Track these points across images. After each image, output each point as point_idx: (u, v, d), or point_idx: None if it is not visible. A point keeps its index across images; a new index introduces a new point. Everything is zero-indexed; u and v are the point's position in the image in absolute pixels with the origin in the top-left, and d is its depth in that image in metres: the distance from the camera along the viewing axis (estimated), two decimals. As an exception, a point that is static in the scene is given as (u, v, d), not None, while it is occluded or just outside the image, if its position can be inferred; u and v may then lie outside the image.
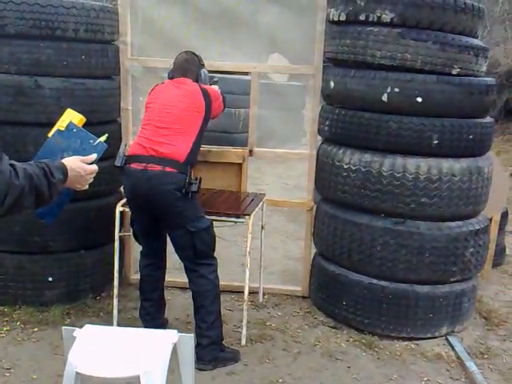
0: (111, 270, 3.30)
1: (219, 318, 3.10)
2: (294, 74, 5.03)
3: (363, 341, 3.35)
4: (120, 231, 3.30)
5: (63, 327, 2.38)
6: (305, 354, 3.20)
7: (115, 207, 3.20)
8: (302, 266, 3.95)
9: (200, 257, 2.99)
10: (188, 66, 3.11)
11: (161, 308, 3.33)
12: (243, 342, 3.24)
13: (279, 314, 3.67)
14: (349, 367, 3.10)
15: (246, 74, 3.89)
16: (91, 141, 1.89)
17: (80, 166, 1.78)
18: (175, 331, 2.39)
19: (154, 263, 3.22)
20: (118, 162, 2.89)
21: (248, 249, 3.17)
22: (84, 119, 2.26)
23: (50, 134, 1.97)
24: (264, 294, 3.86)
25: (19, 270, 3.29)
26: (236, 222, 3.27)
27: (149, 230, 3.09)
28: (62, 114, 2.26)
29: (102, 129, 3.38)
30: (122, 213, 3.25)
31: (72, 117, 2.02)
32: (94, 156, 1.84)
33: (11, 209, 1.56)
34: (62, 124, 1.96)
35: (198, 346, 2.97)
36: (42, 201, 1.64)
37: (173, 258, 4.42)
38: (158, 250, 3.21)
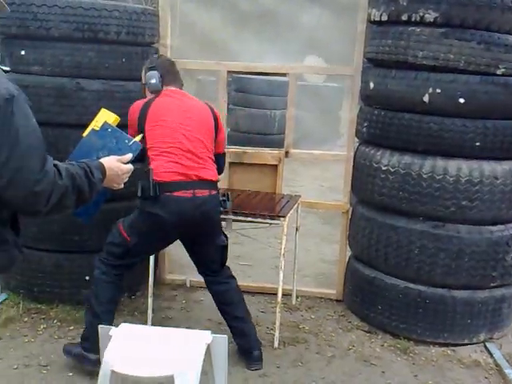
0: (146, 269, 3.33)
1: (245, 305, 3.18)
2: (330, 75, 4.99)
3: (398, 346, 3.30)
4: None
5: (99, 326, 2.43)
6: (338, 357, 3.17)
7: (151, 208, 3.22)
8: (337, 269, 3.92)
9: (223, 267, 3.08)
10: (176, 70, 3.03)
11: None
12: (276, 344, 3.23)
13: (312, 316, 3.65)
14: (383, 372, 3.06)
15: (284, 75, 3.87)
16: (126, 140, 1.91)
17: (117, 166, 1.81)
18: (209, 332, 2.40)
19: (120, 274, 2.93)
20: (151, 192, 2.68)
21: (282, 251, 3.16)
22: (118, 119, 2.31)
23: (84, 134, 2.00)
24: (297, 297, 3.84)
25: (57, 269, 3.35)
26: (271, 224, 3.27)
27: (160, 246, 3.13)
28: (96, 114, 2.31)
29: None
30: (157, 213, 3.28)
31: (107, 117, 2.05)
32: (129, 155, 1.87)
33: (54, 208, 1.60)
34: (96, 124, 1.98)
35: (249, 336, 3.06)
36: (82, 200, 1.68)
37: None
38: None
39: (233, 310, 3.09)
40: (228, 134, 9.39)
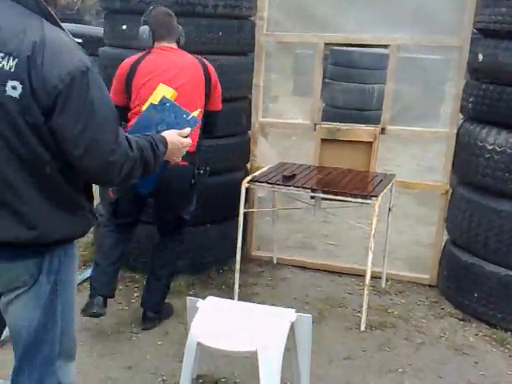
0: (234, 244, 3.36)
1: (172, 277, 3.17)
2: (435, 47, 4.71)
3: (494, 336, 3.11)
4: (245, 207, 3.35)
5: (188, 297, 2.49)
6: (428, 344, 3.05)
7: (241, 183, 3.24)
8: (432, 253, 3.75)
9: (178, 230, 3.09)
10: (171, 22, 2.86)
11: (117, 272, 3.13)
12: (362, 327, 3.16)
13: (402, 301, 3.52)
14: (476, 363, 2.90)
15: (385, 46, 3.68)
16: (184, 115, 1.92)
17: (178, 140, 1.84)
18: (293, 310, 2.39)
19: (126, 233, 3.08)
20: None
21: (373, 231, 3.06)
22: (176, 94, 2.33)
23: (143, 108, 2.03)
24: (387, 280, 3.72)
25: (149, 240, 3.43)
26: (362, 203, 3.17)
27: (137, 206, 3.06)
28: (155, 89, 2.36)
29: (233, 105, 3.50)
30: (247, 189, 3.29)
31: (165, 91, 2.08)
32: (188, 130, 1.88)
33: (125, 178, 1.65)
34: (155, 98, 2.01)
35: (152, 292, 3.06)
36: (147, 171, 1.73)
37: (294, 237, 4.49)
38: (136, 222, 3.12)
39: (154, 265, 3.10)
40: (323, 109, 9.29)
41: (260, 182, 3.29)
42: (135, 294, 3.38)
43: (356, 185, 3.27)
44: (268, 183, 3.27)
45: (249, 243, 3.99)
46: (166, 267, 3.08)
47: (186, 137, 1.87)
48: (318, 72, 3.61)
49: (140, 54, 2.86)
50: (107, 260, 2.99)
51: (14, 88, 1.47)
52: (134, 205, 3.01)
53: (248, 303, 2.56)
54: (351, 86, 8.44)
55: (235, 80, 3.42)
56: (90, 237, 3.80)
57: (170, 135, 1.82)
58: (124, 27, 3.22)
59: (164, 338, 2.99)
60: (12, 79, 1.46)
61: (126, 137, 1.65)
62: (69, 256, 1.73)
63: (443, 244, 3.63)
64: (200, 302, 2.41)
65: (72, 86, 1.49)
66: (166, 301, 3.22)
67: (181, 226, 3.07)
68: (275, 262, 3.95)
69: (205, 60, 2.93)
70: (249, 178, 3.31)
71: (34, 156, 1.53)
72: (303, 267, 3.92)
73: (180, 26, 2.90)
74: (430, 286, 3.71)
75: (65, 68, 1.48)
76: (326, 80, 9.12)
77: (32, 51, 1.46)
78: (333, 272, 3.87)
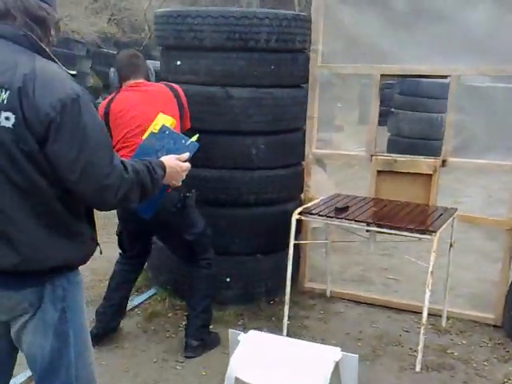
0: (285, 276, 3.31)
1: (211, 305, 3.16)
2: (498, 76, 4.54)
3: None
4: (296, 239, 3.32)
5: (230, 330, 2.46)
6: (490, 390, 2.86)
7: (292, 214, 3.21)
8: (497, 291, 3.54)
9: (198, 256, 3.04)
10: (137, 62, 2.90)
11: (119, 311, 3.24)
12: (417, 368, 3.01)
13: (464, 342, 3.33)
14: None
15: (445, 77, 3.58)
16: (183, 141, 1.99)
17: (176, 164, 1.88)
18: (339, 349, 2.30)
19: (130, 265, 3.21)
20: None
21: (430, 268, 2.93)
22: (175, 122, 2.45)
23: (144, 137, 2.08)
24: (448, 319, 3.54)
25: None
26: (420, 238, 3.05)
27: (138, 240, 3.12)
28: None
29: (287, 136, 3.51)
30: (298, 220, 3.26)
31: (164, 120, 2.14)
32: (187, 154, 1.94)
33: (120, 201, 1.67)
34: (155, 127, 2.06)
35: (190, 326, 3.08)
36: (145, 195, 1.75)
37: (351, 269, 4.39)
38: (141, 256, 3.22)
39: (187, 295, 3.13)
40: (388, 138, 9.10)
41: (311, 213, 3.25)
42: (183, 322, 3.39)
43: (413, 219, 3.16)
44: (319, 215, 3.22)
45: (302, 274, 3.93)
46: (197, 295, 3.09)
47: (186, 161, 1.92)
48: (375, 103, 3.55)
49: (110, 96, 2.95)
50: (109, 301, 3.17)
51: (7, 119, 1.53)
52: (137, 237, 3.10)
53: (291, 339, 2.50)
54: (418, 115, 8.26)
55: (288, 112, 3.43)
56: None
57: (168, 159, 1.87)
58: (178, 63, 3.32)
59: (208, 368, 2.97)
60: (5, 110, 1.53)
61: (122, 160, 1.68)
62: (73, 284, 1.76)
63: (510, 281, 3.42)
64: (242, 336, 2.37)
65: (64, 113, 1.53)
66: (213, 330, 3.22)
67: (196, 250, 3.03)
68: (329, 294, 3.87)
69: (172, 84, 2.99)
70: (300, 209, 3.28)
71: (30, 184, 1.57)
72: (358, 301, 3.81)
73: (149, 65, 3.01)
74: (494, 326, 3.49)
75: (56, 96, 1.53)
76: (393, 110, 9.00)
77: (23, 82, 1.52)
78: (390, 308, 3.73)
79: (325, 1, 3.51)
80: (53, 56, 1.66)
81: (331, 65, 3.52)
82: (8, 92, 1.53)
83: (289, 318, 3.34)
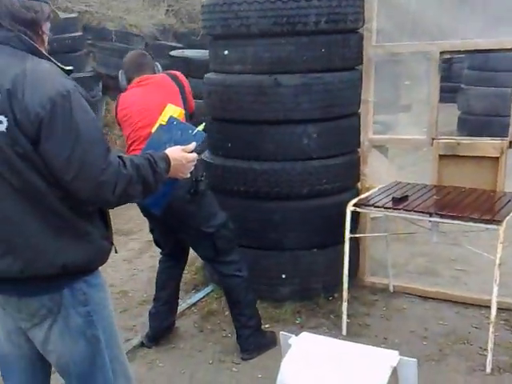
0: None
1: (255, 305, 3.04)
2: None
3: None
4: (354, 230, 3.14)
5: (281, 332, 2.35)
6: None
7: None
8: None
9: (222, 254, 2.90)
10: (142, 61, 2.89)
11: (170, 310, 3.19)
12: (488, 369, 2.79)
13: (542, 340, 3.07)
14: None
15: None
16: (190, 131, 1.94)
17: (182, 155, 1.83)
18: (396, 353, 2.14)
19: (171, 261, 3.17)
20: None
21: (497, 261, 2.71)
22: (183, 112, 2.44)
23: (153, 130, 2.04)
24: (523, 315, 3.27)
25: (255, 265, 3.36)
26: (487, 228, 2.81)
27: (168, 236, 3.04)
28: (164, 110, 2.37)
29: (339, 123, 3.32)
30: (355, 213, 3.08)
31: (172, 111, 2.12)
32: (193, 144, 1.89)
33: (121, 197, 1.62)
34: (163, 119, 2.03)
35: (240, 337, 2.98)
36: (148, 190, 1.71)
37: (415, 261, 4.15)
38: (178, 251, 3.13)
39: (233, 309, 3.01)
40: (458, 116, 8.60)
41: (367, 205, 3.07)
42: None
43: (478, 207, 2.91)
44: (375, 206, 3.03)
45: (362, 268, 3.74)
46: (237, 307, 2.98)
47: (193, 152, 1.86)
48: (435, 83, 3.30)
49: (118, 96, 3.03)
50: (158, 301, 3.14)
51: (0, 122, 1.51)
52: (164, 233, 3.07)
53: (345, 342, 2.35)
54: (490, 90, 7.75)
55: (340, 97, 3.23)
56: (200, 261, 3.83)
57: (173, 151, 1.81)
58: (226, 52, 3.21)
59: (264, 371, 2.87)
60: None
61: (120, 156, 1.64)
62: (94, 286, 1.73)
63: None
64: (293, 339, 2.26)
65: (54, 111, 1.51)
66: (270, 330, 3.12)
67: (218, 246, 2.89)
68: (391, 289, 3.65)
69: (172, 71, 3.01)
70: (355, 200, 3.11)
71: (29, 186, 1.55)
72: (424, 296, 3.58)
73: (156, 63, 3.03)
74: None
75: (45, 95, 1.50)
76: (462, 86, 8.52)
77: (12, 84, 1.51)
78: (458, 302, 3.48)
79: (376, -24, 3.27)
80: (47, 54, 1.64)
81: (386, 44, 3.29)
82: None
83: (348, 315, 3.19)
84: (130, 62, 2.96)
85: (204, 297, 3.62)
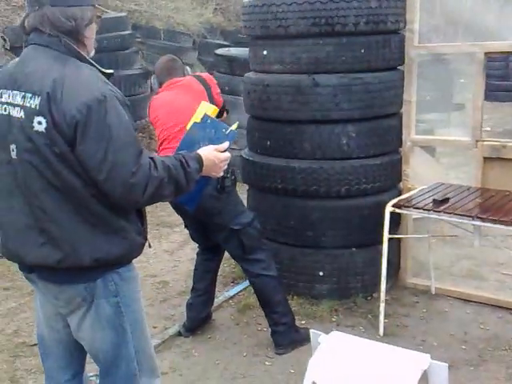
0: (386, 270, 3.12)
1: (286, 302, 3.08)
2: None
3: None
4: (395, 231, 3.11)
5: (311, 330, 2.36)
6: None
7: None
8: None
9: (249, 252, 2.94)
10: (172, 65, 2.99)
11: (206, 301, 3.26)
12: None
13: None
14: None
15: None
16: (224, 129, 1.94)
17: (214, 155, 1.85)
18: (428, 356, 2.11)
19: (207, 254, 3.23)
20: None
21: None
22: (217, 109, 2.47)
23: (187, 127, 2.05)
24: None
25: (293, 262, 3.41)
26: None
27: (201, 232, 3.10)
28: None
29: (380, 122, 3.30)
30: (395, 213, 3.05)
31: (206, 109, 2.12)
32: (226, 144, 1.90)
33: (152, 198, 1.69)
34: (197, 116, 2.04)
35: (274, 333, 3.02)
36: (179, 190, 1.76)
37: (460, 264, 4.05)
38: (213, 246, 3.15)
39: (265, 308, 3.05)
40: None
41: (406, 206, 3.03)
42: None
43: (522, 211, 2.83)
44: (415, 208, 3.00)
45: (403, 269, 3.70)
46: (267, 306, 3.02)
47: (225, 151, 1.88)
48: (479, 84, 3.21)
49: (151, 100, 3.18)
50: (195, 292, 3.24)
51: (39, 123, 1.60)
52: (199, 230, 3.14)
53: (376, 342, 2.33)
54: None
55: (381, 97, 3.22)
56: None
57: (206, 151, 1.85)
58: (265, 52, 3.24)
59: (296, 366, 2.90)
60: (37, 115, 1.61)
61: (152, 157, 1.69)
62: (125, 279, 1.80)
63: None
64: (322, 337, 2.27)
65: (89, 115, 1.58)
66: (305, 326, 3.14)
67: (245, 244, 2.92)
68: (433, 291, 3.59)
69: (200, 73, 3.14)
70: (394, 200, 3.09)
71: (66, 184, 1.64)
72: (466, 300, 3.50)
73: (186, 67, 3.15)
74: None
75: (82, 99, 1.58)
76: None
77: (52, 88, 1.59)
78: (502, 307, 3.39)
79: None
80: (89, 58, 1.72)
81: (429, 44, 3.23)
82: (39, 98, 1.61)
83: (387, 315, 3.17)
84: (160, 67, 3.10)
85: (241, 290, 3.68)
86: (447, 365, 2.07)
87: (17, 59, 1.78)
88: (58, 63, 1.64)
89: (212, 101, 2.92)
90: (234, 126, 1.99)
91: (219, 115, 3.05)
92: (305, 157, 3.25)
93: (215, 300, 3.40)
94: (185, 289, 3.75)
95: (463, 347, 3.02)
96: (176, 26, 8.14)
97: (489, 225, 2.80)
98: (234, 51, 6.19)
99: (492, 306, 3.41)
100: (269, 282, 2.98)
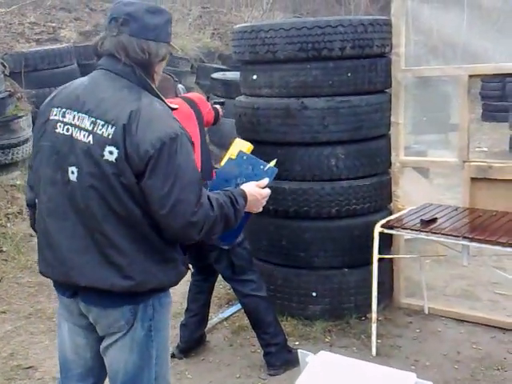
0: (379, 291, 3.15)
1: (278, 322, 3.07)
2: None
3: None
4: (387, 251, 3.12)
5: (299, 350, 2.38)
6: None
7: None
8: None
9: (239, 273, 2.97)
10: (164, 86, 2.92)
11: (200, 322, 3.27)
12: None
13: None
14: None
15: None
16: (262, 166, 1.96)
17: (257, 191, 1.87)
18: (414, 375, 2.12)
19: (201, 275, 3.24)
20: None
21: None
22: (252, 147, 2.46)
23: (222, 163, 2.08)
24: None
25: (286, 283, 3.43)
26: (519, 253, 2.75)
27: (194, 252, 3.05)
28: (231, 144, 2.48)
29: (368, 145, 3.35)
30: (386, 234, 3.08)
31: (241, 145, 2.17)
32: (266, 180, 1.91)
33: (205, 235, 1.72)
34: (232, 153, 2.06)
35: (267, 354, 3.02)
36: (228, 226, 1.78)
37: (455, 284, 4.06)
38: (207, 267, 3.15)
39: (256, 329, 3.06)
40: (510, 136, 8.32)
41: (395, 226, 3.07)
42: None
43: (508, 231, 2.85)
44: (403, 228, 3.04)
45: (397, 289, 3.71)
46: (258, 327, 3.04)
47: (265, 187, 1.90)
48: (465, 106, 3.27)
49: None
50: (189, 313, 3.24)
51: (110, 153, 1.62)
52: (192, 251, 3.05)
53: (364, 362, 2.35)
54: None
55: (368, 119, 3.27)
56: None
57: (249, 187, 1.87)
58: (254, 77, 3.32)
59: (290, 385, 2.91)
60: (109, 145, 1.62)
61: (208, 196, 1.71)
62: (163, 304, 1.82)
63: None
64: (310, 357, 2.29)
65: (162, 151, 1.61)
66: (298, 347, 3.14)
67: (235, 263, 2.94)
68: (427, 311, 3.60)
69: (189, 95, 3.09)
70: (383, 221, 3.12)
71: (127, 212, 1.66)
72: (460, 320, 3.50)
73: (179, 85, 3.12)
74: None
75: (156, 134, 1.61)
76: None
77: (128, 120, 1.61)
78: (495, 327, 3.39)
79: (404, 2, 3.30)
80: (157, 92, 1.75)
81: (415, 68, 3.29)
82: (114, 128, 1.63)
83: (380, 336, 3.19)
84: (159, 89, 3.13)
85: (236, 312, 3.69)
86: (431, 383, 2.08)
87: (82, 81, 1.78)
88: (132, 95, 1.67)
89: (201, 122, 2.98)
90: (272, 163, 1.99)
91: (213, 125, 3.15)
92: (295, 178, 3.29)
93: (209, 321, 3.42)
94: (180, 310, 3.75)
95: (456, 367, 3.01)
96: (174, 51, 8.31)
97: (475, 244, 2.83)
98: (229, 75, 6.31)
99: (485, 325, 3.41)
100: (259, 303, 2.99)
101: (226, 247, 2.49)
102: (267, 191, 1.90)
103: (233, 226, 1.81)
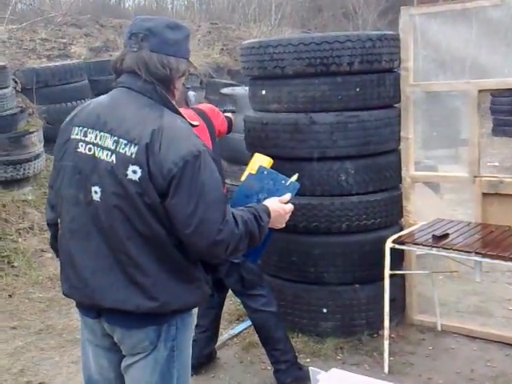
0: (391, 307, 3.11)
1: (288, 339, 3.04)
2: None
3: None
4: (399, 267, 3.08)
5: (310, 368, 2.34)
6: None
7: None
8: None
9: (249, 287, 2.94)
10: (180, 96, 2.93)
11: (210, 338, 3.23)
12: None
13: None
14: None
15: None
16: (283, 181, 1.92)
17: (280, 206, 1.84)
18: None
19: (211, 290, 3.08)
20: None
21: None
22: (272, 161, 2.45)
23: (242, 179, 2.04)
24: None
25: (296, 299, 3.40)
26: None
27: None
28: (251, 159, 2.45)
29: (377, 159, 3.33)
30: (397, 249, 3.05)
31: (261, 160, 2.14)
32: (288, 195, 1.88)
33: (231, 253, 1.70)
34: (252, 167, 2.05)
35: (277, 371, 2.99)
36: (253, 243, 1.75)
37: (468, 300, 4.00)
38: (217, 282, 3.01)
39: (265, 345, 3.02)
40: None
41: (406, 242, 3.04)
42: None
43: (522, 246, 2.82)
44: (414, 244, 3.00)
45: (409, 306, 3.66)
46: (268, 343, 3.00)
47: (287, 202, 1.87)
48: (474, 121, 3.25)
49: None
50: (199, 328, 3.17)
51: (134, 172, 1.60)
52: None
53: (375, 380, 2.31)
54: None
55: (377, 134, 3.26)
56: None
57: (272, 203, 1.83)
58: (263, 92, 3.32)
59: (298, 406, 2.87)
60: (133, 164, 1.60)
61: (233, 213, 1.69)
62: (185, 324, 1.80)
63: None
64: (321, 375, 2.25)
65: (185, 170, 1.59)
66: (310, 364, 3.10)
67: (245, 277, 2.92)
68: (440, 328, 3.55)
69: (201, 106, 3.07)
70: (394, 236, 3.09)
71: (151, 232, 1.64)
72: (473, 336, 3.45)
73: (190, 92, 3.09)
74: None
75: (179, 153, 1.59)
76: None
77: (151, 139, 1.60)
78: (509, 344, 3.33)
79: (412, 17, 3.30)
80: (178, 108, 1.73)
81: (424, 82, 3.28)
82: (137, 147, 1.61)
83: (393, 353, 3.15)
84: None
85: (246, 328, 3.65)
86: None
87: (101, 99, 1.76)
88: (154, 113, 1.65)
89: (213, 134, 2.97)
90: (293, 178, 1.96)
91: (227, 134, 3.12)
92: (304, 193, 3.27)
93: (220, 338, 3.39)
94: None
95: (470, 386, 2.97)
96: (192, 68, 8.39)
97: (487, 260, 2.79)
98: (238, 90, 6.33)
99: (499, 342, 3.36)
100: (269, 319, 2.96)
101: (253, 264, 2.46)
102: (290, 206, 1.87)
103: (257, 243, 1.78)
